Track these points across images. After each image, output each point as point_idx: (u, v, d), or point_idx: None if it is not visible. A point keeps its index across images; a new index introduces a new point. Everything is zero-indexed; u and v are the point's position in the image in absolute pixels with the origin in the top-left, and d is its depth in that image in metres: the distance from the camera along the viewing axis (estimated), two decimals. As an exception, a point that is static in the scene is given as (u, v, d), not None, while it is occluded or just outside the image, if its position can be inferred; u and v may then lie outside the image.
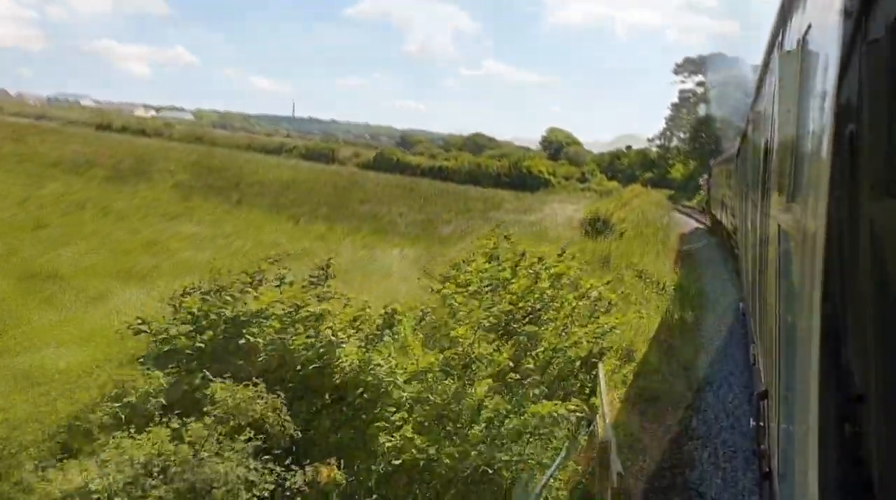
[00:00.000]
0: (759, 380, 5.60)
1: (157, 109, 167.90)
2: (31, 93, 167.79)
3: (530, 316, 11.97)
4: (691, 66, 79.62)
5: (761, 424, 4.67)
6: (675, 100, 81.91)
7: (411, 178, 48.20)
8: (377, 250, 27.86)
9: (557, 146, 75.62)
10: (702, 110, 73.54)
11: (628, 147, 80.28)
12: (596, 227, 28.48)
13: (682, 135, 77.43)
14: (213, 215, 35.70)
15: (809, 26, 2.63)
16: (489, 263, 13.15)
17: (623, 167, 71.64)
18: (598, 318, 12.60)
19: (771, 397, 4.08)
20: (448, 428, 8.88)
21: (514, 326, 11.60)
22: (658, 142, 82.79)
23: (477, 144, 61.83)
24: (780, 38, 4.19)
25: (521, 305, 12.18)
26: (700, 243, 28.55)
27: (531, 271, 13.03)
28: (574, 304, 12.74)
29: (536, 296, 12.36)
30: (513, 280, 12.75)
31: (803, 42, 2.74)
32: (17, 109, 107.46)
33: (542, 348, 11.29)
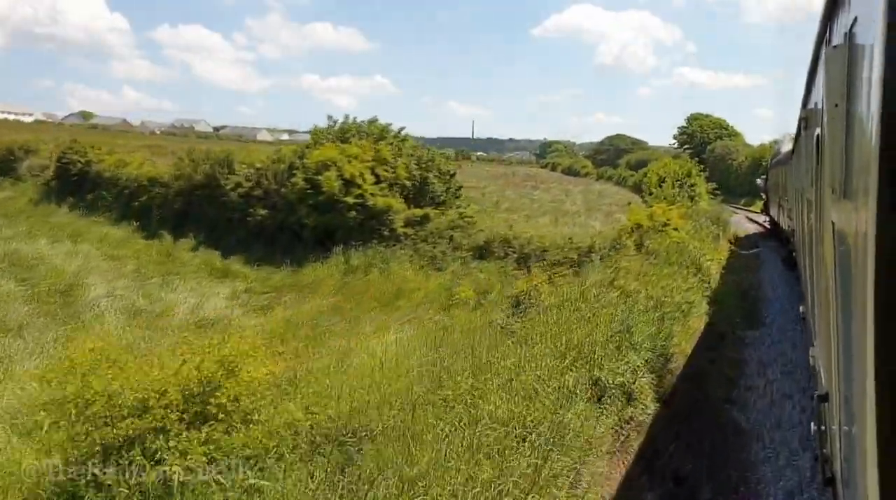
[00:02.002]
0: (818, 382, 5.35)
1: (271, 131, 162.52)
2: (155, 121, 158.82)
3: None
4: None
5: (822, 427, 4.45)
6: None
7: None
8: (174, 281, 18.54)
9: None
10: None
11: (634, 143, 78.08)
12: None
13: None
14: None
15: (855, 20, 2.64)
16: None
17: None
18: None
19: (832, 400, 4.00)
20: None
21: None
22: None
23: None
24: (826, 33, 4.10)
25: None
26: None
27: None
28: None
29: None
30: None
31: (850, 36, 2.71)
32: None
33: None
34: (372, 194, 22.23)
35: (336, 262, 21.22)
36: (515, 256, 19.26)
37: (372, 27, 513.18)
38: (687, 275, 15.39)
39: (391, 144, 24.24)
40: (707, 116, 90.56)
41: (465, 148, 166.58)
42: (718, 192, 47.29)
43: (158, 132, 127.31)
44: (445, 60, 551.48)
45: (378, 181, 23.06)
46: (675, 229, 25.14)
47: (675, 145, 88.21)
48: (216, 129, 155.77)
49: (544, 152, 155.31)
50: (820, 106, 4.72)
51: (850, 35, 2.68)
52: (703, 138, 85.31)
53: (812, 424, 5.08)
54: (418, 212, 22.48)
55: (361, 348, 12.64)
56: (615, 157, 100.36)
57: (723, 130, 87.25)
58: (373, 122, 25.17)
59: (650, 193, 37.22)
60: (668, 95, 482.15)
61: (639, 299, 10.42)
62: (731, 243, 34.47)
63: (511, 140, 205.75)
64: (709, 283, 20.08)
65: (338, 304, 16.44)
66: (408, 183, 23.43)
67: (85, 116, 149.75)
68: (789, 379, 12.75)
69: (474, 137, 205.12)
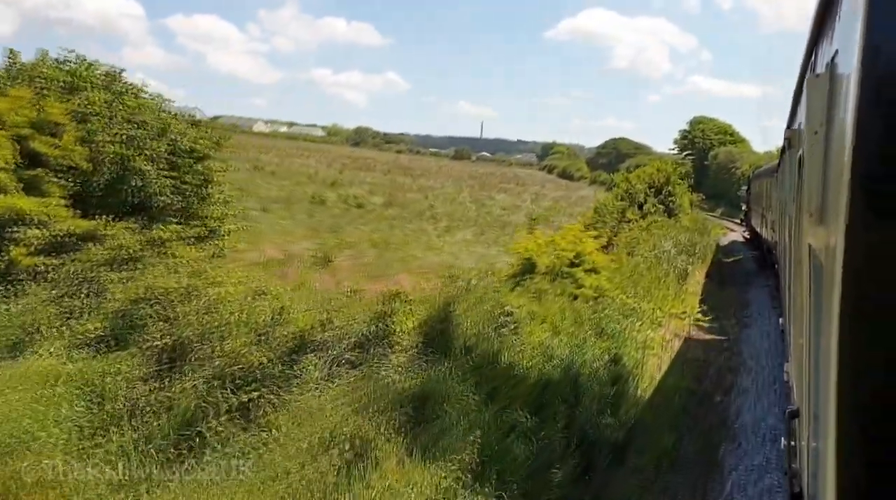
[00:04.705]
0: (791, 399, 5.21)
1: (271, 123, 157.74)
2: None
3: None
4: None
5: (792, 443, 4.32)
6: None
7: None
8: None
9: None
10: None
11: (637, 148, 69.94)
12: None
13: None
14: None
15: (837, 52, 2.64)
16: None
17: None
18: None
19: (802, 416, 3.92)
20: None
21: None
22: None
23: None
24: (812, 59, 4.07)
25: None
26: None
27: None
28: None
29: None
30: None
31: (832, 66, 2.69)
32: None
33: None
34: (-11, 188, 10.81)
35: None
36: (158, 344, 7.84)
37: (385, 24, 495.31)
38: None
39: (91, 102, 12.78)
40: (711, 119, 78.21)
41: (472, 147, 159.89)
42: (705, 205, 35.50)
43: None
44: (457, 60, 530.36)
45: (34, 164, 11.67)
46: (593, 271, 13.40)
47: (675, 151, 76.46)
48: (213, 118, 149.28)
49: (546, 154, 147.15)
50: (803, 128, 4.40)
51: (831, 65, 2.70)
52: (705, 144, 73.24)
53: (783, 439, 4.84)
54: (80, 225, 11.03)
55: None
56: (617, 161, 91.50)
57: (727, 135, 74.82)
58: (73, 62, 13.61)
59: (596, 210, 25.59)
60: (681, 101, 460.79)
61: None
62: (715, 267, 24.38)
63: (520, 141, 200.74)
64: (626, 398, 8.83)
65: None
66: (88, 167, 11.98)
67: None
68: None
69: (483, 137, 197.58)
